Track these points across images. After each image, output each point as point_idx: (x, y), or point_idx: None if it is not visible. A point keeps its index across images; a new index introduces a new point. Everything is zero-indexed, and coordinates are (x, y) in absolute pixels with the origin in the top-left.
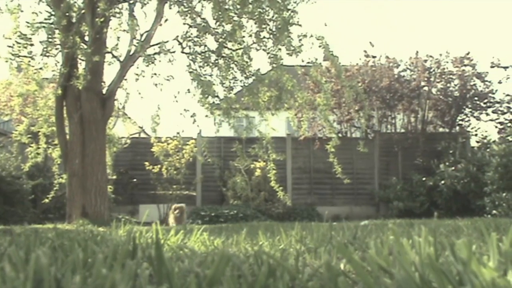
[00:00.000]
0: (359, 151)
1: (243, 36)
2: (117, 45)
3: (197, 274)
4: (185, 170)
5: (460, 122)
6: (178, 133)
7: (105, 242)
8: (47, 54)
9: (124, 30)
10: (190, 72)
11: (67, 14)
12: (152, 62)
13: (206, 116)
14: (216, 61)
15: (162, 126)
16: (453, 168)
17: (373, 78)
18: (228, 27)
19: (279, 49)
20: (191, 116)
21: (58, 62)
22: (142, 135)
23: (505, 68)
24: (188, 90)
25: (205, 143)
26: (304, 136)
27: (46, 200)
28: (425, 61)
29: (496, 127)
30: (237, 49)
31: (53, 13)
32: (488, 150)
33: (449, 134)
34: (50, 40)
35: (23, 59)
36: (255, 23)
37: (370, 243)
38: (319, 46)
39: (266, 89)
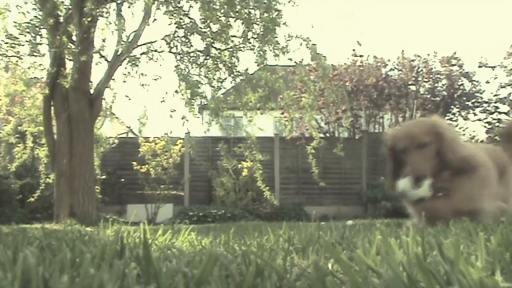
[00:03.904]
0: (346, 151)
1: (233, 36)
2: (104, 44)
3: (185, 274)
4: (173, 170)
5: (448, 122)
6: (165, 133)
7: (93, 242)
8: (35, 54)
9: (111, 30)
10: (177, 73)
11: (54, 13)
12: (136, 65)
13: (187, 119)
14: (204, 61)
15: (150, 126)
16: None
17: (361, 78)
18: (215, 27)
19: (264, 51)
20: (170, 116)
21: (44, 61)
22: (130, 135)
23: (493, 68)
24: (176, 91)
25: (193, 143)
26: (290, 136)
27: (32, 199)
28: (413, 60)
29: (484, 127)
30: (224, 49)
31: (40, 13)
32: None
33: None
34: (33, 41)
35: (11, 59)
36: (242, 23)
37: (358, 243)
38: (307, 47)
39: (250, 89)
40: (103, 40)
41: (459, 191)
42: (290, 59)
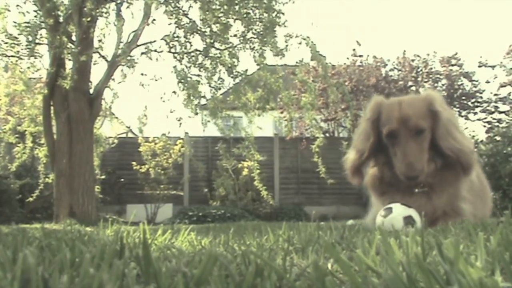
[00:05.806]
0: (346, 151)
1: (233, 35)
2: (104, 44)
3: (185, 273)
4: (173, 170)
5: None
6: (163, 134)
7: (92, 241)
8: (34, 54)
9: (110, 30)
10: (176, 74)
11: (53, 13)
12: (133, 67)
13: (189, 117)
14: (203, 61)
15: (149, 126)
16: None
17: (361, 78)
18: (215, 27)
19: (264, 50)
20: (167, 116)
21: (43, 61)
22: (130, 134)
23: (493, 67)
24: (174, 92)
25: (188, 143)
26: (289, 136)
27: (31, 199)
28: (413, 60)
29: (484, 126)
30: (224, 49)
31: (39, 12)
32: (475, 149)
33: None
34: (30, 41)
35: (11, 59)
36: (242, 24)
37: (357, 243)
38: (307, 46)
39: (250, 90)
40: (103, 39)
41: (443, 190)
42: (287, 62)
